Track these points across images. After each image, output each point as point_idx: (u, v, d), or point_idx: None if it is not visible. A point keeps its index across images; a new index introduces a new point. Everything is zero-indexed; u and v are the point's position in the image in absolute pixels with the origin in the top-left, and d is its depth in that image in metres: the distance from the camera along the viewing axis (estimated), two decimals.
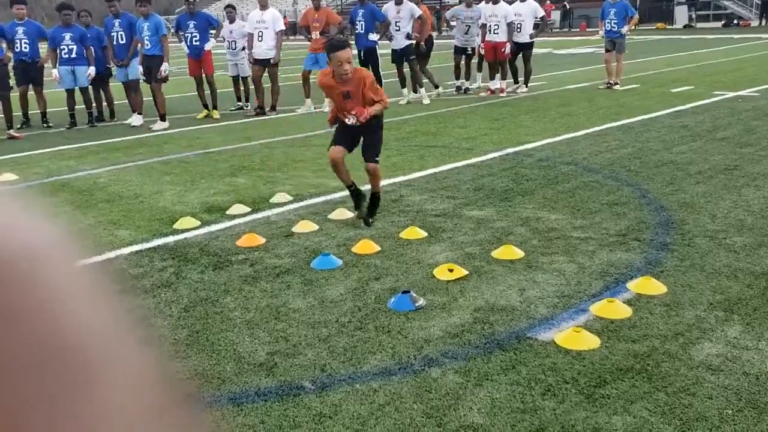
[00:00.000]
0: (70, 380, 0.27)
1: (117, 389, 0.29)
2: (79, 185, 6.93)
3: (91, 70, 10.57)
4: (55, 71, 10.52)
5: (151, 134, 9.93)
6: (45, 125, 10.92)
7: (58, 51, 10.43)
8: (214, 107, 11.40)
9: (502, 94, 12.32)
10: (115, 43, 10.61)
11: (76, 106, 10.79)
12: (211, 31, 11.51)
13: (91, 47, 10.64)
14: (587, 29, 37.96)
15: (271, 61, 10.94)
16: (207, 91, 11.29)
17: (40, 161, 8.20)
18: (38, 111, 11.04)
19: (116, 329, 0.31)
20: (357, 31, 11.26)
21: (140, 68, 10.42)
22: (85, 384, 0.28)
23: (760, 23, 34.47)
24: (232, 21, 11.72)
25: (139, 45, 10.39)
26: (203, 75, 11.22)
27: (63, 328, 0.28)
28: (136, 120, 10.72)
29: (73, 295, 0.30)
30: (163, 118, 10.37)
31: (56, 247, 0.30)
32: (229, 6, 11.96)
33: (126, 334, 0.31)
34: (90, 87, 10.86)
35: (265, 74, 11.09)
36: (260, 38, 10.97)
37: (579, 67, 17.36)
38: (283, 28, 11.22)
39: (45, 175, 7.49)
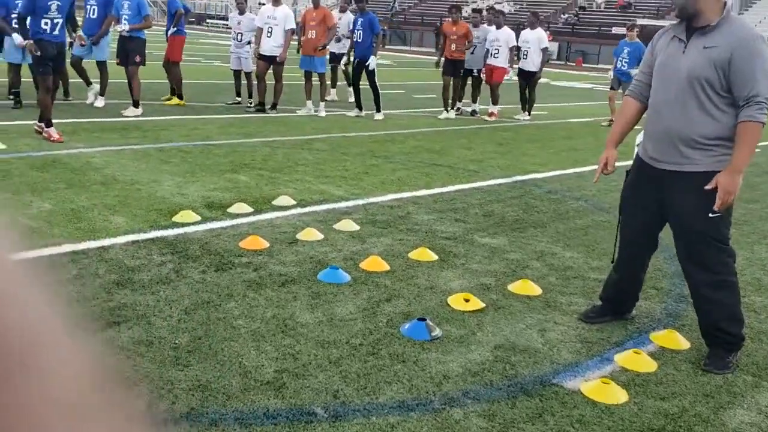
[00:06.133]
0: (3, 371, 0.27)
1: (52, 380, 0.29)
2: (72, 163, 6.63)
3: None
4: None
5: (147, 118, 9.62)
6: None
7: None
8: (177, 95, 11.17)
9: (490, 118, 12.21)
10: (86, 16, 9.93)
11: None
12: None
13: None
14: (583, 65, 38.29)
15: (277, 59, 10.71)
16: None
17: (30, 132, 7.85)
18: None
19: (50, 322, 0.30)
20: (356, 40, 11.11)
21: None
22: (19, 375, 0.27)
23: None
24: (241, 12, 11.46)
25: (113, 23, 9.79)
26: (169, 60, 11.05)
27: None
28: (99, 101, 10.26)
29: (5, 287, 0.29)
30: (136, 105, 9.81)
31: None
32: None
33: (61, 327, 0.30)
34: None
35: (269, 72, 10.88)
36: (269, 34, 10.73)
37: (579, 101, 17.40)
38: (294, 26, 11.00)
39: (35, 148, 7.16)
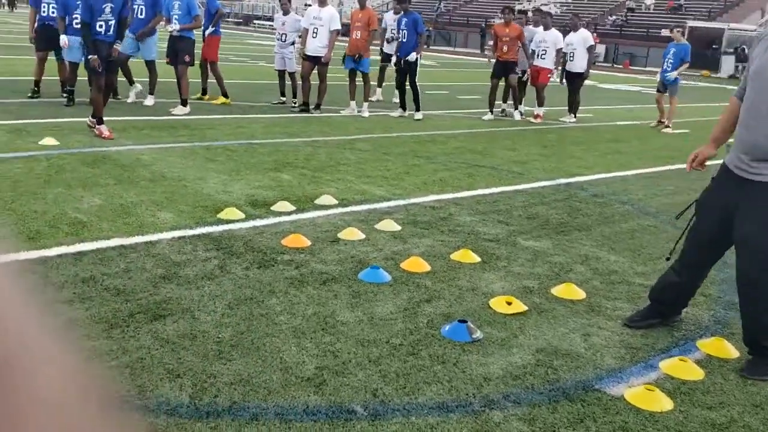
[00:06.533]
0: None
1: (39, 381, 0.29)
2: (122, 160, 6.79)
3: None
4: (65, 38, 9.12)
5: (194, 117, 9.78)
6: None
7: (67, 19, 9.06)
8: (222, 93, 11.35)
9: (535, 120, 12.06)
10: (134, 16, 9.87)
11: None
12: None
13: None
14: (631, 67, 37.62)
15: (322, 59, 10.78)
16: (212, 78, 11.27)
17: (82, 129, 8.07)
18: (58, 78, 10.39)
19: (34, 324, 0.31)
20: (401, 40, 11.13)
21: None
22: (4, 376, 0.28)
23: None
24: (286, 13, 11.54)
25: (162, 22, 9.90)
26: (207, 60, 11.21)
27: None
28: (149, 100, 10.45)
29: None
30: (184, 104, 9.95)
31: None
32: None
33: (44, 330, 0.31)
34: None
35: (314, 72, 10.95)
36: (315, 35, 10.81)
37: (626, 103, 17.09)
38: (339, 27, 11.05)
39: (86, 145, 7.35)
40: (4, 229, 4.64)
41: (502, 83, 12.11)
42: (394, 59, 11.40)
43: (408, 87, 11.20)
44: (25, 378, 0.29)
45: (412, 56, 10.96)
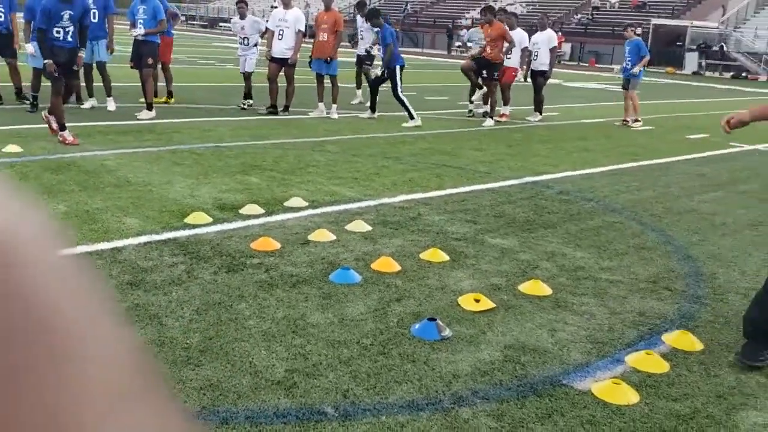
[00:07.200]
0: (52, 357, 0.28)
1: (97, 368, 0.30)
2: (86, 166, 6.69)
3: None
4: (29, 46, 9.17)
5: (160, 121, 9.68)
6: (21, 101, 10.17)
7: (32, 24, 8.91)
8: (167, 92, 11.47)
9: (501, 119, 12.12)
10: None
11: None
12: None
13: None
14: (596, 65, 38.13)
15: (289, 61, 10.76)
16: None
17: (45, 135, 7.93)
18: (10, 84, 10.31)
19: (93, 313, 0.32)
20: (380, 55, 11.19)
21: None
22: (66, 362, 0.29)
23: None
24: (242, 17, 11.39)
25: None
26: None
27: (42, 311, 0.29)
28: (110, 104, 10.31)
29: (53, 280, 0.30)
30: (149, 107, 9.86)
31: (37, 233, 0.31)
32: (240, 1, 11.51)
33: (102, 318, 0.32)
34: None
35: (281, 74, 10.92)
36: (281, 36, 10.79)
37: (592, 101, 17.33)
38: (303, 28, 11.02)
39: (50, 151, 7.24)
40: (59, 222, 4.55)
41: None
42: (379, 71, 11.30)
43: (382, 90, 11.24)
44: (85, 367, 0.29)
45: (378, 70, 11.06)
